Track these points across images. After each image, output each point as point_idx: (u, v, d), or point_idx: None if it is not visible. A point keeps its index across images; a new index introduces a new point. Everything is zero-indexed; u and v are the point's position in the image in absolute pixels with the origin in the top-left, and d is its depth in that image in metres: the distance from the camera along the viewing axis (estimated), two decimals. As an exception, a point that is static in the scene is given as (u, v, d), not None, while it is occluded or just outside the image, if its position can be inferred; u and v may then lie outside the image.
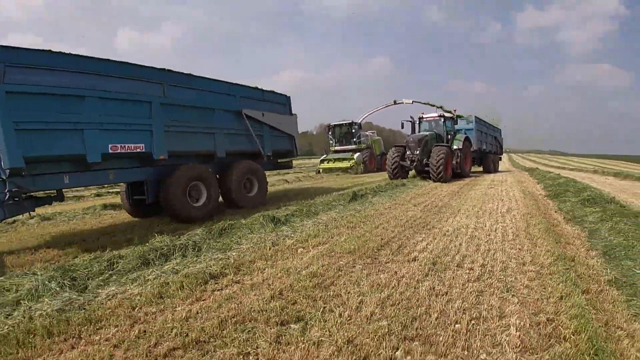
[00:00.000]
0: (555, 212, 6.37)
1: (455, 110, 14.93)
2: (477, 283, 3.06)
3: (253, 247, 4.28)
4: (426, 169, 12.55)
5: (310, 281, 3.12)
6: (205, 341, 2.24)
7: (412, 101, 20.12)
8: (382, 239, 4.45)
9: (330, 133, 21.23)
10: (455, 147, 13.55)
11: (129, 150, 5.46)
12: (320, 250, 4.09)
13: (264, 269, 3.52)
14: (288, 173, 17.72)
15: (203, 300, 2.87)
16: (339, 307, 2.63)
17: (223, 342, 2.20)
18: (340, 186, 11.95)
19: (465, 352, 2.05)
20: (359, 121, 21.12)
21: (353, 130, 20.43)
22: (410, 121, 14.51)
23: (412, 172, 13.59)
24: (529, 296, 2.78)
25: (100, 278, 3.60)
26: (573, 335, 2.14)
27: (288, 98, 8.91)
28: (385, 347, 2.07)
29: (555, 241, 4.24)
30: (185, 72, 6.46)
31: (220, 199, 7.30)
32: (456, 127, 14.61)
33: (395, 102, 21.06)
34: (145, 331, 2.41)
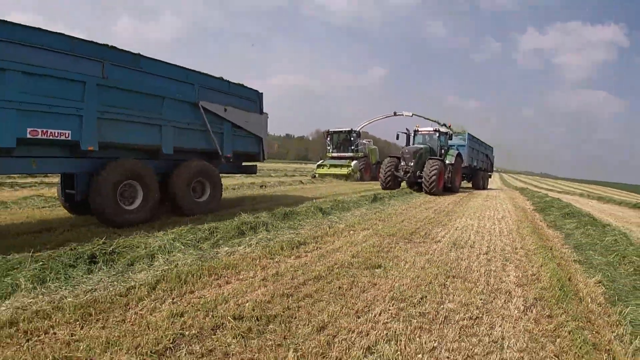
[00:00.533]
0: (540, 221, 7.97)
1: (450, 125, 15.45)
2: (485, 255, 4.57)
3: (315, 228, 5.68)
4: (419, 181, 13.03)
5: (373, 248, 4.57)
6: (324, 277, 3.57)
7: (412, 114, 20.20)
8: (410, 229, 5.93)
9: (328, 139, 21.44)
10: (447, 161, 13.93)
11: (51, 137, 4.63)
12: (367, 233, 5.54)
13: (333, 242, 4.94)
14: (286, 176, 19.00)
15: (304, 257, 4.24)
16: (400, 261, 4.10)
17: (336, 278, 3.54)
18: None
19: (487, 283, 3.53)
20: (358, 129, 21.30)
21: (351, 138, 20.60)
22: (406, 133, 14.95)
23: (403, 184, 14.00)
24: (521, 263, 4.29)
25: (209, 242, 4.82)
26: (548, 280, 3.65)
27: (259, 94, 7.96)
28: (439, 280, 3.54)
29: (539, 238, 5.80)
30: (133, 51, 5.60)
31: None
32: (449, 142, 15.11)
33: (395, 114, 21.08)
34: (277, 272, 3.64)
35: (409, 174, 13.23)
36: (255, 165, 8.64)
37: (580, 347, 2.32)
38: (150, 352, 2.05)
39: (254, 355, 2.08)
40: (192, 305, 2.68)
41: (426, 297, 3.07)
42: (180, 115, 6.19)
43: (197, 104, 6.38)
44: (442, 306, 2.90)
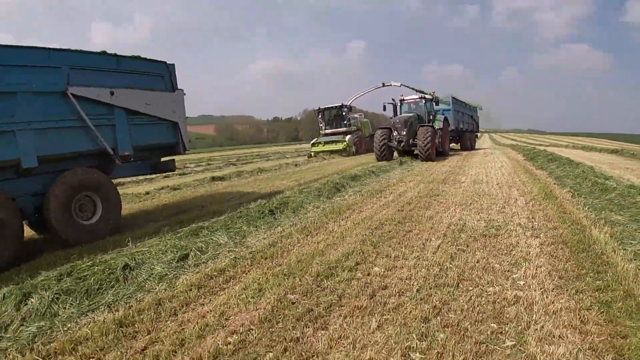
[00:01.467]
0: (530, 165, 10.67)
1: (434, 92, 15.71)
2: (496, 185, 7.18)
3: (378, 184, 8.06)
4: (412, 148, 13.60)
5: (427, 188, 7.12)
6: (413, 202, 6.03)
7: (400, 84, 20.13)
8: (440, 178, 8.47)
9: (320, 116, 21.48)
10: (436, 127, 14.34)
11: None
12: (414, 182, 8.08)
13: (398, 189, 7.44)
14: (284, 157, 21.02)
15: (390, 196, 6.68)
16: (447, 192, 6.67)
17: (419, 202, 6.03)
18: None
19: (502, 196, 6.13)
20: (348, 103, 21.38)
21: (343, 113, 20.77)
22: (392, 103, 15.33)
23: (395, 154, 14.43)
24: (520, 187, 6.90)
25: (325, 195, 7.15)
26: (537, 192, 6.26)
27: (169, 66, 6.13)
28: (474, 197, 6.13)
29: (530, 174, 8.47)
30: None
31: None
32: (435, 108, 15.46)
33: (383, 85, 20.92)
34: (384, 203, 6.17)
35: (402, 143, 13.58)
36: (173, 161, 6.63)
37: (556, 215, 4.93)
38: (366, 233, 4.58)
39: (411, 227, 4.63)
40: (354, 220, 5.20)
41: (472, 203, 5.66)
42: (44, 111, 4.57)
43: (66, 92, 4.72)
44: (482, 205, 5.50)
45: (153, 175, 9.96)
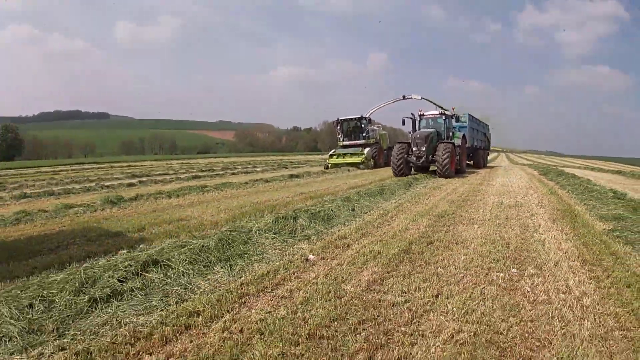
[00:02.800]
0: (543, 178, 14.03)
1: (453, 109, 15.84)
2: (518, 187, 10.56)
3: (422, 189, 11.58)
4: (430, 165, 13.89)
5: (468, 190, 10.57)
6: (464, 195, 9.51)
7: (421, 97, 19.88)
8: (476, 183, 11.91)
9: (338, 127, 21.40)
10: (455, 143, 14.55)
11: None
12: (455, 186, 11.53)
13: (441, 192, 10.89)
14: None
15: (433, 198, 10.15)
16: (485, 192, 10.09)
17: (466, 197, 9.48)
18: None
19: (522, 193, 9.50)
20: (368, 115, 21.10)
21: (362, 125, 20.62)
22: (411, 118, 15.43)
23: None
24: (535, 190, 10.28)
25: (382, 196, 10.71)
26: (546, 192, 9.65)
27: None
28: (503, 192, 9.56)
29: (542, 183, 11.86)
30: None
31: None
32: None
33: (404, 97, 20.51)
34: (443, 196, 9.67)
35: (422, 159, 13.64)
36: None
37: (555, 200, 8.32)
38: (453, 200, 8.04)
39: (471, 203, 8.08)
40: (422, 206, 8.67)
41: (504, 194, 9.09)
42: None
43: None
44: (511, 195, 8.93)
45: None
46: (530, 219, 6.18)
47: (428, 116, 15.53)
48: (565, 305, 2.84)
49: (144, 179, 15.80)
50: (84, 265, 3.46)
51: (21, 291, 2.91)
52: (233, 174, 18.01)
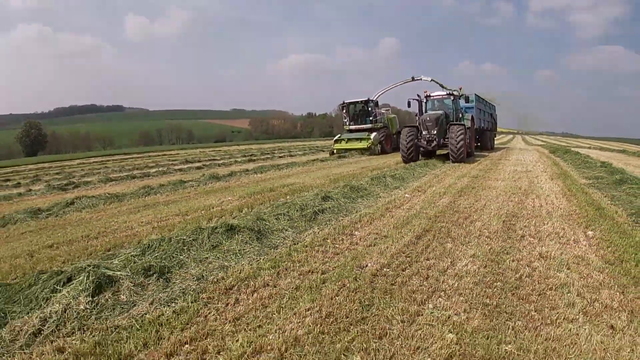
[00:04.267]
0: (551, 154, 17.06)
1: (460, 88, 15.11)
2: (529, 161, 13.66)
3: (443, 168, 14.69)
4: (441, 149, 13.47)
5: (489, 166, 13.70)
6: (484, 170, 12.64)
7: (431, 79, 19.23)
8: (495, 161, 14.98)
9: (344, 111, 20.62)
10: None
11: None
12: (475, 165, 14.65)
13: (459, 170, 14.00)
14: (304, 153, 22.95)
15: (463, 169, 13.30)
16: (503, 166, 13.20)
17: (486, 172, 12.62)
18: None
19: (534, 169, 12.61)
20: (375, 98, 20.38)
21: (369, 108, 19.83)
22: (417, 100, 14.75)
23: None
24: (543, 165, 13.32)
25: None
26: (551, 166, 12.71)
27: None
28: (519, 170, 12.68)
29: (549, 158, 14.92)
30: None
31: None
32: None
33: (413, 79, 20.05)
34: (459, 174, 12.78)
35: (433, 143, 13.13)
36: None
37: (556, 169, 11.41)
38: (480, 168, 11.22)
39: (493, 172, 11.24)
40: (459, 172, 11.84)
41: (518, 165, 12.21)
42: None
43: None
44: (523, 165, 12.05)
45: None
46: (535, 178, 9.35)
47: (435, 97, 14.80)
48: (549, 207, 5.99)
49: (207, 162, 19.15)
50: (292, 199, 6.71)
51: (277, 208, 6.10)
52: (280, 157, 21.28)
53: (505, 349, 2.22)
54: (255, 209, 6.11)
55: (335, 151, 19.44)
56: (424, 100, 14.84)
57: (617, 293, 2.91)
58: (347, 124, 20.66)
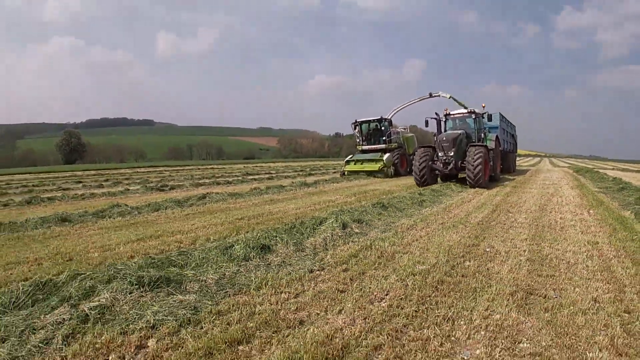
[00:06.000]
0: (574, 173, 20.15)
1: (484, 106, 14.34)
2: (555, 178, 16.85)
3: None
4: (460, 172, 12.39)
5: (521, 182, 16.98)
6: (516, 187, 15.95)
7: (450, 96, 18.72)
8: (523, 181, 18.21)
9: (356, 130, 19.82)
10: (488, 146, 13.09)
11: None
12: (501, 188, 17.92)
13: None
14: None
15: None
16: (533, 182, 16.47)
17: (521, 186, 15.90)
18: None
19: (558, 183, 15.83)
20: (389, 116, 19.74)
21: (382, 128, 19.12)
22: (436, 118, 14.03)
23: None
24: (567, 181, 16.51)
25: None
26: (573, 181, 15.87)
27: None
28: (546, 183, 15.91)
29: (572, 176, 18.06)
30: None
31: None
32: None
33: (431, 95, 19.46)
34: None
35: (450, 165, 12.16)
36: None
37: (576, 182, 14.61)
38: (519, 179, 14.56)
39: (528, 184, 14.55)
40: (498, 189, 15.17)
41: (546, 180, 15.50)
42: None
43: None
44: (549, 180, 15.30)
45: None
46: (560, 188, 12.60)
47: (455, 116, 14.07)
48: (567, 201, 9.29)
49: (272, 174, 23.02)
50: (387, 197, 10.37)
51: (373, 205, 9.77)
52: (324, 173, 24.63)
53: (544, 246, 5.57)
54: (364, 202, 9.24)
55: (345, 172, 18.63)
56: (443, 119, 14.16)
57: (599, 227, 6.27)
58: (360, 143, 19.89)
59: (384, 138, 19.02)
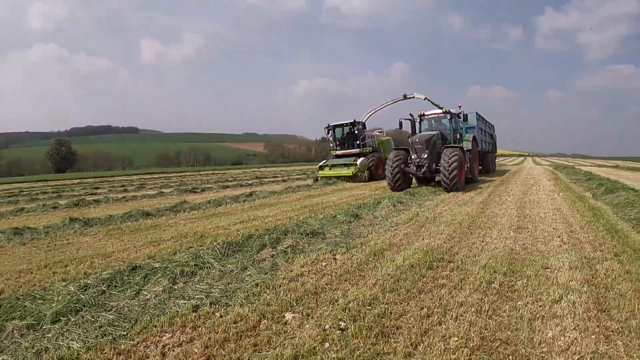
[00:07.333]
0: (554, 170, 23.55)
1: (460, 106, 13.98)
2: (536, 174, 20.12)
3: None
4: (435, 175, 12.22)
5: (507, 178, 20.17)
6: (506, 178, 19.10)
7: (425, 97, 18.62)
8: (507, 178, 21.45)
9: (330, 135, 19.78)
10: (465, 148, 12.97)
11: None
12: (489, 184, 21.09)
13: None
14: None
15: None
16: (515, 179, 19.67)
17: (506, 181, 19.04)
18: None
19: (539, 180, 19.07)
20: (363, 120, 19.79)
21: (356, 131, 19.12)
22: (410, 119, 13.92)
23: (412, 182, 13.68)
24: (547, 177, 19.80)
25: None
26: (554, 180, 19.17)
27: None
28: (529, 181, 19.12)
29: (551, 172, 21.41)
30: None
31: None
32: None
33: (405, 97, 19.40)
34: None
35: (423, 168, 12.02)
36: None
37: (553, 177, 17.85)
38: (501, 177, 17.68)
39: (510, 180, 17.69)
40: (489, 180, 18.30)
41: (527, 176, 18.72)
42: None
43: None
44: (533, 178, 18.51)
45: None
46: (540, 180, 15.75)
47: (430, 116, 13.92)
48: (543, 187, 12.31)
49: (284, 177, 25.68)
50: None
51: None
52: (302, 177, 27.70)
53: (525, 211, 8.45)
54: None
55: (318, 178, 18.68)
56: (418, 120, 14.05)
57: (563, 201, 9.23)
58: (334, 148, 19.92)
59: (357, 142, 19.04)
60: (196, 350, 2.78)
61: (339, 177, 18.20)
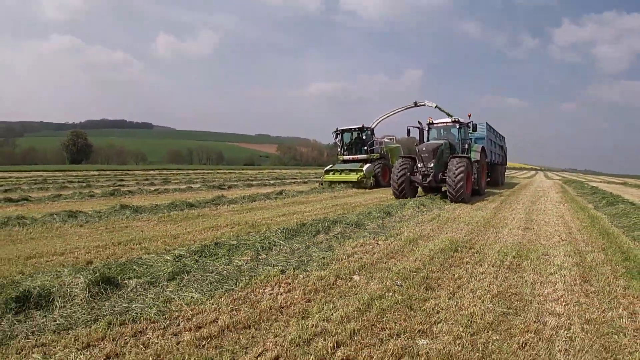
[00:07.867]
0: (563, 184, 24.63)
1: (469, 115, 13.92)
2: (546, 187, 21.23)
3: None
4: (441, 185, 12.16)
5: (517, 189, 21.35)
6: (519, 187, 20.28)
7: (435, 105, 18.81)
8: (516, 189, 22.60)
9: (337, 139, 19.84)
10: (473, 158, 12.96)
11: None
12: (497, 197, 22.27)
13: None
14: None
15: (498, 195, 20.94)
16: (525, 190, 20.85)
17: (517, 192, 20.22)
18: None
19: (548, 192, 20.23)
20: (372, 126, 19.83)
21: (364, 137, 19.13)
22: (418, 127, 14.03)
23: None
24: (556, 190, 20.89)
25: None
26: (562, 192, 20.30)
27: None
28: (538, 192, 20.29)
29: (560, 187, 22.48)
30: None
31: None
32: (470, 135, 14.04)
33: (416, 104, 19.50)
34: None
35: (429, 178, 12.04)
36: None
37: (561, 190, 18.99)
38: (513, 189, 18.87)
39: (522, 190, 18.88)
40: (501, 190, 19.49)
41: (537, 189, 19.89)
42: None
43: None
44: (543, 190, 19.68)
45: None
46: (548, 193, 16.92)
47: (439, 125, 14.01)
48: (550, 199, 13.55)
49: (285, 180, 26.83)
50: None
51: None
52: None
53: (532, 216, 9.72)
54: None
55: (323, 182, 18.62)
56: (426, 129, 14.11)
57: (567, 211, 10.45)
58: (341, 152, 19.91)
59: (365, 148, 18.95)
60: (297, 296, 3.81)
61: (344, 183, 17.97)
